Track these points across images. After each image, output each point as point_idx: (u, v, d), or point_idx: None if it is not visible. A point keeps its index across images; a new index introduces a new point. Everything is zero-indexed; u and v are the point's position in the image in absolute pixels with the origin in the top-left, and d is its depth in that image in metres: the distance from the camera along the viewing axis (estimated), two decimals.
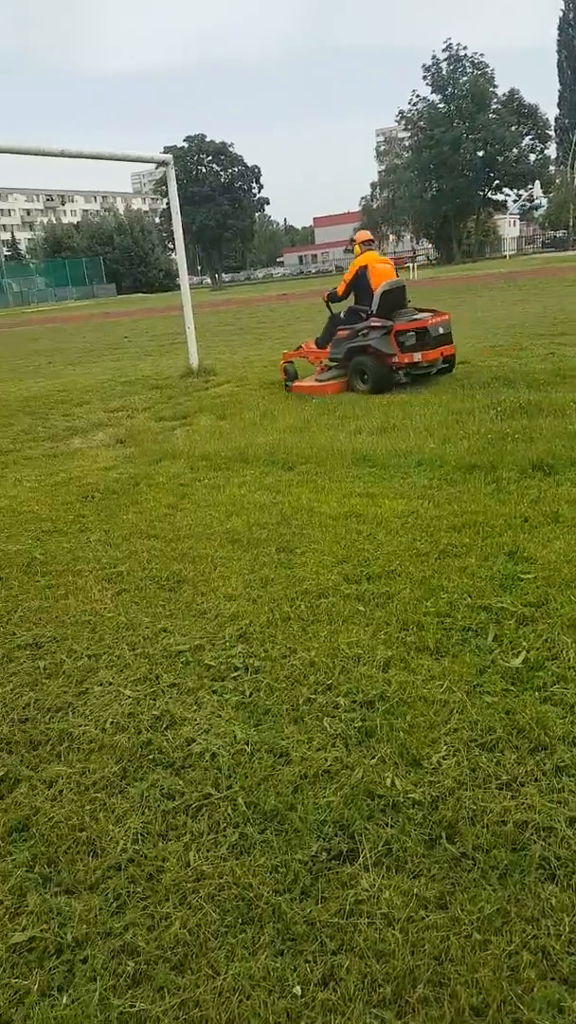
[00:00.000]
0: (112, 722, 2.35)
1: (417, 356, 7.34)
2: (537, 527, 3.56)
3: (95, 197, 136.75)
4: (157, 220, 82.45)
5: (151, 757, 2.16)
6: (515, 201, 65.58)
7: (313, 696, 2.36)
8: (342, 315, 7.96)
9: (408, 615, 2.80)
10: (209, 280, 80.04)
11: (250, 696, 2.40)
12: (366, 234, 8.19)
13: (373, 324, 7.43)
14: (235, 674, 2.53)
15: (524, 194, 63.60)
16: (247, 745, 2.15)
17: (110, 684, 2.57)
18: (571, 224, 62.58)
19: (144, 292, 67.45)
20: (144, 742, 2.23)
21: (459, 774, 1.98)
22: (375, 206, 72.81)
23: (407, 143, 67.74)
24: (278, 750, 2.13)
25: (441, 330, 7.58)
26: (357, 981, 1.47)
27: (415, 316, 7.60)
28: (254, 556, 3.49)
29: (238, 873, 1.73)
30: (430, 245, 71.13)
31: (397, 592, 2.98)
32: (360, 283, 7.77)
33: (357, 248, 8.02)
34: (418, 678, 2.41)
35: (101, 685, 2.57)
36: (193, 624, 2.91)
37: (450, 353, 7.81)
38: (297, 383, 8.07)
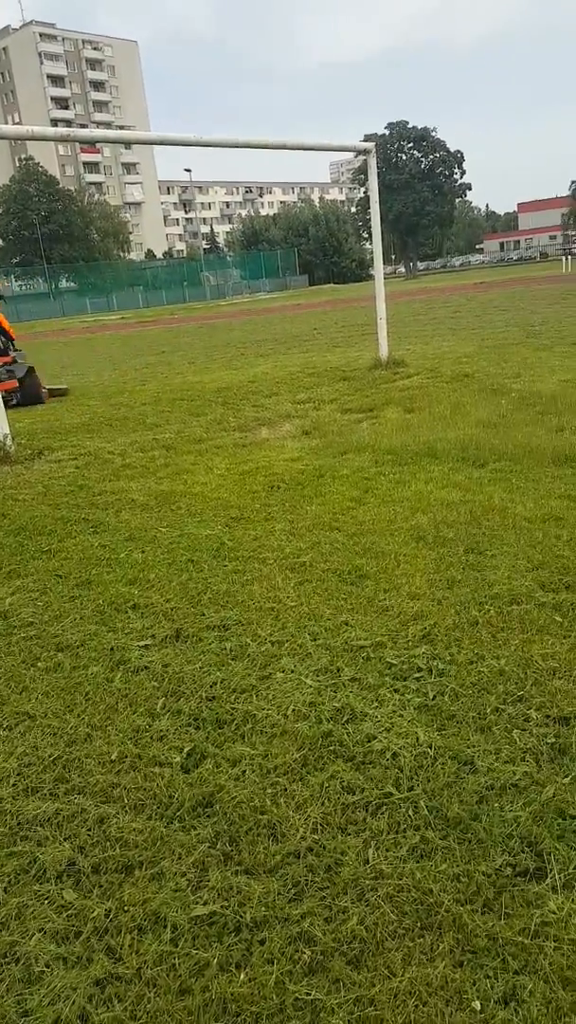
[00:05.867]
0: (294, 709, 2.39)
1: None
2: None
3: (292, 188, 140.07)
4: (352, 209, 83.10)
5: (332, 749, 2.18)
6: None
7: (502, 706, 2.27)
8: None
9: None
10: (403, 269, 79.44)
11: (433, 699, 2.34)
12: None
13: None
14: (418, 675, 2.49)
15: None
16: (430, 748, 2.11)
17: (292, 672, 2.62)
18: None
19: (335, 283, 68.23)
20: (325, 733, 2.25)
21: None
22: None
23: None
24: (463, 758, 2.06)
25: None
26: (541, 1006, 1.39)
27: None
28: (440, 555, 3.41)
29: (418, 877, 1.70)
30: None
31: None
32: None
33: None
34: None
35: (283, 672, 2.63)
36: (375, 620, 2.90)
37: None
38: None
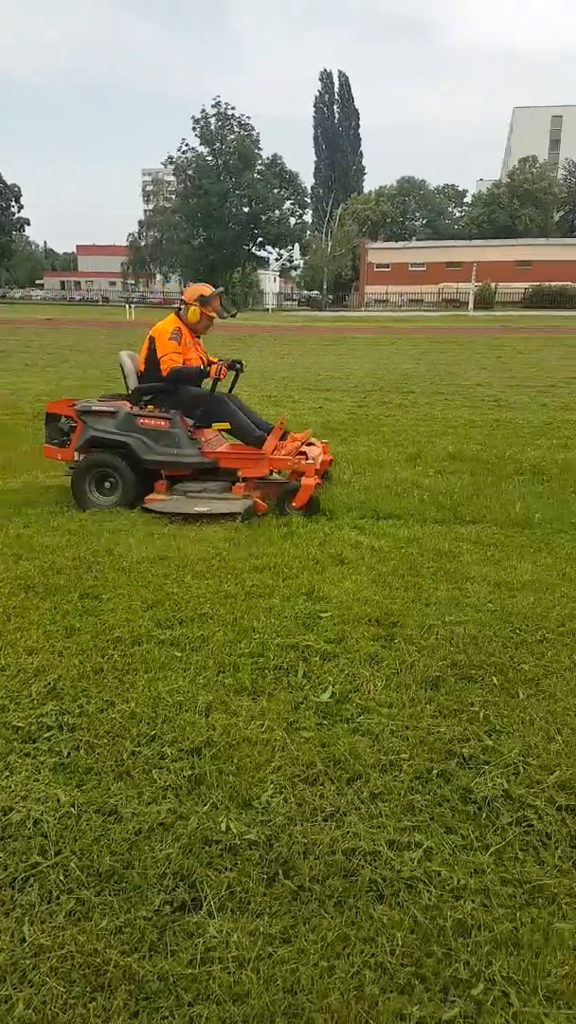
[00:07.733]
0: None
1: None
2: (327, 568, 3.84)
3: None
4: None
5: None
6: (276, 259, 70.31)
7: (137, 749, 2.33)
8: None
9: (224, 657, 2.87)
10: None
11: (68, 756, 2.30)
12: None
13: None
14: (48, 734, 2.41)
15: (284, 254, 68.49)
16: (73, 808, 2.07)
17: None
18: (323, 287, 68.36)
19: None
20: None
21: (288, 810, 2.08)
22: (142, 244, 73.37)
23: (174, 188, 69.56)
24: (107, 809, 2.07)
25: None
26: None
27: None
28: (54, 604, 3.34)
29: (80, 940, 1.67)
30: None
31: (211, 635, 3.04)
32: None
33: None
34: (240, 720, 2.49)
35: None
36: None
37: None
38: None
